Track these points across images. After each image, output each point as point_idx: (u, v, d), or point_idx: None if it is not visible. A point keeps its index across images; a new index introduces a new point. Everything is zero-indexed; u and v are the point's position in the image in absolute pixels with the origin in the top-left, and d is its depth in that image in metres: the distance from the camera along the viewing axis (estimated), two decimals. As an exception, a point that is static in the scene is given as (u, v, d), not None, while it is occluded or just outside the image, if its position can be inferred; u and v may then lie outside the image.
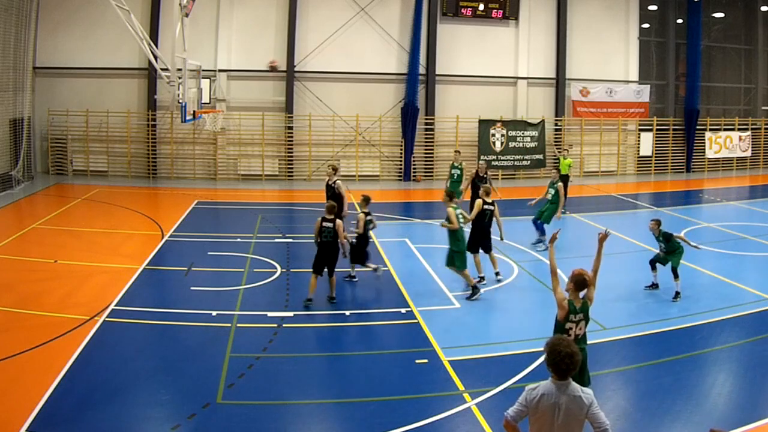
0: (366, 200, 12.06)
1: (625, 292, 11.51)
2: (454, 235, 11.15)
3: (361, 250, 11.76)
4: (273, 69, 11.97)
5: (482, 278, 12.03)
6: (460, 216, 11.24)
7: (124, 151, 24.80)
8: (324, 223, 10.56)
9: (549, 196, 14.87)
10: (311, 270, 10.72)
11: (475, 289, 11.19)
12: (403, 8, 25.93)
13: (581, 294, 6.54)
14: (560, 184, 14.95)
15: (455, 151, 19.78)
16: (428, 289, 11.67)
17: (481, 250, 12.12)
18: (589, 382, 6.74)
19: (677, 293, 11.20)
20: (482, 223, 12.02)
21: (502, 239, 12.67)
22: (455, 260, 11.22)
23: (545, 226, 14.74)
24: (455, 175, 17.42)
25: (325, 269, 10.74)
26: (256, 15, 25.07)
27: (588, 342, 6.96)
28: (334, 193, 13.25)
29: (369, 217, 11.83)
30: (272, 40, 25.16)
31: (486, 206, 12.00)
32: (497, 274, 12.20)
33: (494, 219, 12.11)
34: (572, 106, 27.60)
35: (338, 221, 10.66)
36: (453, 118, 26.26)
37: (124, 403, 7.37)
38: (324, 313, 10.46)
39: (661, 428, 7.05)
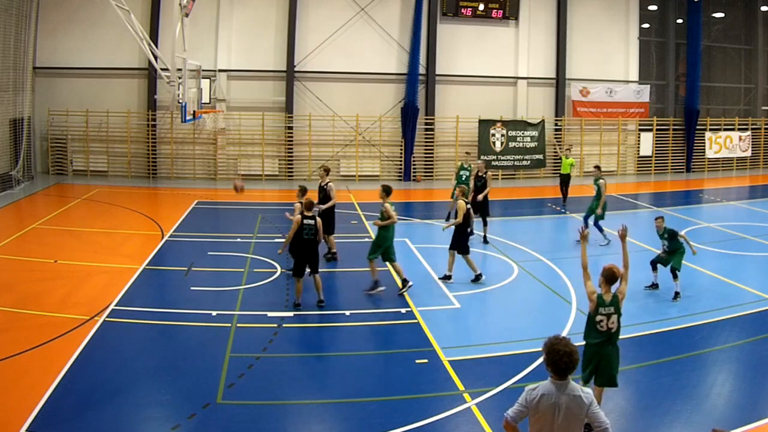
0: (302, 191, 12.27)
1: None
2: (388, 229, 11.30)
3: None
4: (238, 189, 12.36)
5: (480, 275, 12.08)
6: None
7: (124, 151, 24.80)
8: (305, 221, 10.50)
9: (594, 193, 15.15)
10: (293, 274, 10.72)
11: (405, 282, 11.37)
12: (403, 8, 25.93)
13: (613, 289, 6.67)
14: (602, 181, 15.12)
15: (465, 152, 19.78)
16: (428, 289, 11.67)
17: (454, 249, 12.24)
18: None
19: (677, 293, 11.21)
20: (466, 223, 12.17)
21: (471, 233, 13.24)
22: (388, 253, 11.38)
23: (591, 221, 15.08)
24: (463, 176, 17.28)
25: (307, 270, 10.69)
26: (256, 15, 25.08)
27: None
28: (326, 195, 13.23)
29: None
30: (272, 40, 25.17)
31: (468, 206, 12.25)
32: (449, 277, 12.17)
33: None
34: (572, 106, 27.60)
35: (318, 218, 10.70)
36: (453, 118, 26.26)
37: (124, 403, 7.37)
38: (324, 313, 10.46)
39: (661, 428, 7.05)
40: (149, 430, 6.94)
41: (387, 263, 11.67)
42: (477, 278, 12.10)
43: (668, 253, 11.43)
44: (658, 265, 11.64)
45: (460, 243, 12.08)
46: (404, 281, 11.39)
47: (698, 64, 28.40)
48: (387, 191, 11.57)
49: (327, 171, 13.62)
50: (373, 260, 11.46)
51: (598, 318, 6.65)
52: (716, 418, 7.21)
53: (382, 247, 11.38)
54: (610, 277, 6.67)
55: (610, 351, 6.73)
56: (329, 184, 13.28)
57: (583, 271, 6.79)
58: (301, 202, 11.79)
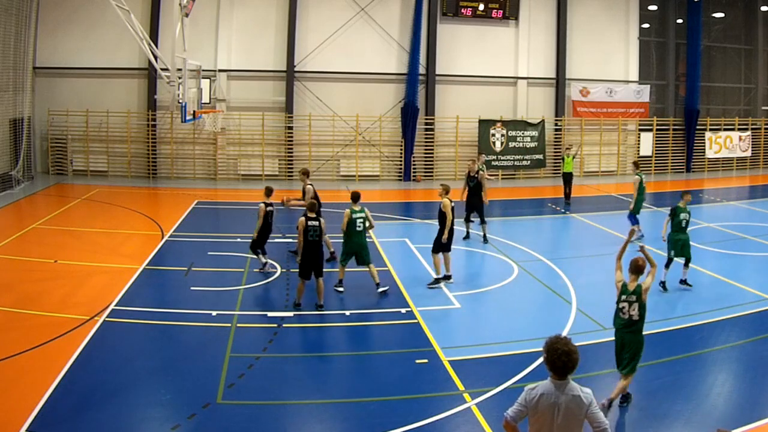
0: (268, 191, 12.44)
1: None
2: (352, 235, 11.29)
3: (261, 241, 12.39)
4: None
5: (439, 280, 11.92)
6: (359, 220, 11.27)
7: (124, 151, 24.80)
8: (309, 222, 10.43)
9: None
10: (299, 275, 10.65)
11: (378, 285, 11.42)
12: (403, 8, 25.93)
13: (640, 279, 7.34)
14: (637, 177, 15.77)
15: (479, 154, 19.73)
16: (428, 289, 11.67)
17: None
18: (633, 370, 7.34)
19: (684, 281, 11.59)
20: (453, 222, 12.09)
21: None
22: (360, 256, 11.42)
23: (634, 217, 15.60)
24: None
25: (311, 272, 10.60)
26: (256, 15, 25.08)
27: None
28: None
29: (270, 208, 12.33)
30: (272, 40, 25.17)
31: (452, 204, 12.08)
32: (449, 278, 12.08)
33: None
34: (572, 106, 27.59)
35: (322, 219, 10.65)
36: (453, 118, 26.26)
37: (124, 403, 7.37)
38: (324, 313, 10.45)
39: (661, 428, 7.05)
40: (149, 430, 6.94)
41: (363, 266, 11.55)
42: (435, 281, 11.86)
43: (679, 230, 11.63)
44: (672, 262, 11.78)
45: (436, 240, 11.90)
46: (377, 285, 11.38)
47: (698, 64, 28.39)
48: (353, 198, 11.57)
49: (306, 174, 13.69)
50: (343, 264, 11.49)
51: (621, 305, 7.31)
52: (716, 418, 7.21)
53: (348, 254, 11.36)
54: (634, 268, 7.36)
55: (631, 339, 7.27)
56: (307, 186, 13.28)
57: (616, 261, 7.67)
58: (265, 203, 12.25)
